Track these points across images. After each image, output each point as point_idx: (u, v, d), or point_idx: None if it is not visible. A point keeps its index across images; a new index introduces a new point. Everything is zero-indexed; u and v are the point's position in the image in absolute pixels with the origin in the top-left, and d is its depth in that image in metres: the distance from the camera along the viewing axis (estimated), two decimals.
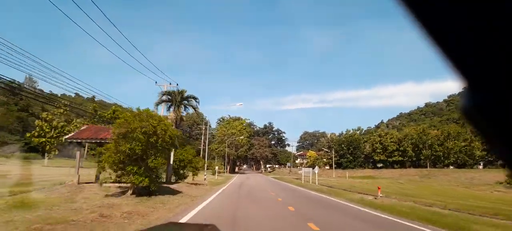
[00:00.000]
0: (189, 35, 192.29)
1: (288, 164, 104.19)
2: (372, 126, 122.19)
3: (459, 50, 0.44)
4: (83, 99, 78.68)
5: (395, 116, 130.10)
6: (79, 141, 15.33)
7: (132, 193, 12.33)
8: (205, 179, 28.41)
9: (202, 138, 30.40)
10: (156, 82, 22.96)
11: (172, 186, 16.91)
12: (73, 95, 74.79)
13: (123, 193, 12.53)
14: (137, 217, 8.14)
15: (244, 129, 77.19)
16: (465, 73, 0.45)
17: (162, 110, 21.95)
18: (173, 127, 21.18)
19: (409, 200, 17.63)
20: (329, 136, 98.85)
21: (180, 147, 21.44)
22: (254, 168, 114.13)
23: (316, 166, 31.48)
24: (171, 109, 22.65)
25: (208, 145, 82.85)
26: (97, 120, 51.03)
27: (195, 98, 24.50)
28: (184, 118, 23.55)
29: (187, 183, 21.06)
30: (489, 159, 67.17)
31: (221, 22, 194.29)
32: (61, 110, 45.11)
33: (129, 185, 12.16)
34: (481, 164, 71.79)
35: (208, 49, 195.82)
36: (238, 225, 7.66)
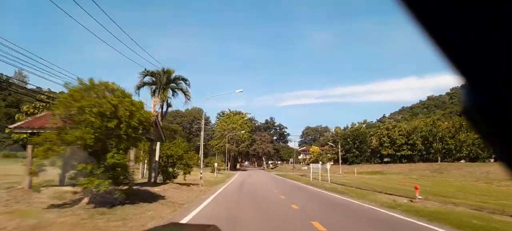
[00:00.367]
0: (187, 30, 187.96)
1: (291, 159, 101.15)
2: (374, 120, 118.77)
3: (458, 50, 0.44)
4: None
5: (397, 110, 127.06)
6: (29, 131, 11.72)
7: (90, 202, 8.73)
8: (201, 177, 24.80)
9: (202, 133, 26.79)
10: (145, 69, 19.41)
11: (155, 189, 13.32)
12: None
13: (77, 201, 8.94)
14: None
15: (245, 124, 73.44)
16: (465, 73, 0.45)
17: (153, 107, 18.08)
18: (154, 112, 17.59)
19: (448, 202, 14.09)
20: (333, 130, 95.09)
21: (168, 140, 17.85)
22: (256, 164, 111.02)
23: (328, 162, 27.82)
24: (157, 94, 18.93)
25: (208, 141, 79.75)
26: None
27: (184, 80, 20.51)
28: (173, 105, 19.88)
29: (177, 183, 17.49)
30: None
31: (221, 17, 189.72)
32: (43, 104, 41.29)
33: (81, 190, 8.57)
34: (493, 158, 68.08)
35: (207, 45, 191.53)
36: None
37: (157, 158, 16.78)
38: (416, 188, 13.85)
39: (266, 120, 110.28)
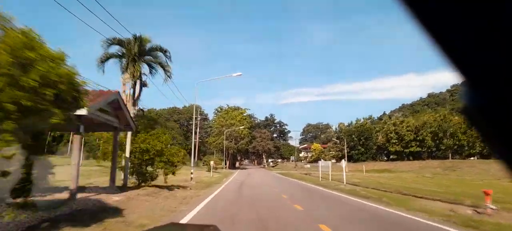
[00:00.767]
0: (186, 27, 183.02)
1: (292, 157, 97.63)
2: (375, 118, 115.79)
3: (459, 50, 0.44)
4: None
5: (397, 108, 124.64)
6: None
7: None
8: (191, 178, 20.73)
9: (194, 123, 22.72)
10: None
11: (114, 198, 9.21)
12: None
13: None
14: None
15: (245, 119, 69.30)
16: (465, 73, 0.44)
17: (122, 86, 13.74)
18: (126, 97, 13.40)
19: None
20: (337, 126, 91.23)
21: (144, 130, 13.75)
22: (256, 163, 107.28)
23: (342, 160, 23.76)
24: (127, 70, 13.96)
25: (206, 139, 75.63)
26: None
27: (164, 51, 15.30)
28: (147, 85, 15.09)
29: (156, 186, 13.41)
30: None
31: (219, 13, 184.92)
32: None
33: None
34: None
35: (206, 41, 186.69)
36: None
37: (127, 154, 12.69)
38: (486, 193, 9.79)
39: (266, 117, 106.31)
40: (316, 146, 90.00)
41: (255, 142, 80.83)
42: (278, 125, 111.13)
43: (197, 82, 28.47)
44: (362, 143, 73.50)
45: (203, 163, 53.22)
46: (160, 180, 14.51)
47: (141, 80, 14.10)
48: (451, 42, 0.43)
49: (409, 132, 69.17)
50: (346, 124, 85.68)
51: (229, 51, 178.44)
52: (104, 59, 13.66)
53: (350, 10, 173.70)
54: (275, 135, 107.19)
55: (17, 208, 5.25)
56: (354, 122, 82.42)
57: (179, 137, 73.52)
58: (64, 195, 8.52)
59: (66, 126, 6.27)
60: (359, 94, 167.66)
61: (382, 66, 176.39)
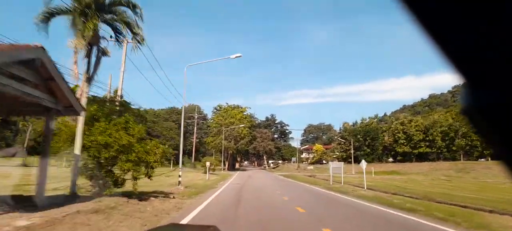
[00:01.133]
0: (185, 27, 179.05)
1: (293, 159, 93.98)
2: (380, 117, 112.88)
3: (459, 51, 0.44)
4: None
5: (399, 108, 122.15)
6: None
7: None
8: (180, 182, 17.00)
9: (182, 116, 19.09)
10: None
11: (24, 220, 5.51)
12: None
13: None
14: None
15: (245, 119, 65.47)
16: (466, 73, 0.44)
17: (74, 56, 9.81)
18: (76, 69, 9.55)
19: None
20: (341, 125, 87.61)
21: (105, 118, 10.05)
22: (256, 164, 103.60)
23: (363, 160, 20.10)
24: (77, 29, 9.49)
25: (204, 139, 71.89)
26: None
27: (132, 6, 10.63)
28: (113, 53, 10.85)
29: (125, 194, 9.64)
30: None
31: (219, 14, 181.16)
32: None
33: None
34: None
35: (205, 42, 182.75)
36: None
37: (77, 150, 9.01)
38: None
39: (267, 117, 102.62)
40: (318, 147, 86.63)
41: (255, 142, 77.05)
42: (279, 125, 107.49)
43: (186, 66, 24.87)
44: (368, 143, 69.76)
45: (202, 165, 49.57)
46: (127, 186, 10.71)
47: (98, 46, 10.16)
48: (451, 42, 0.43)
49: (418, 132, 65.47)
50: (350, 123, 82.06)
51: (229, 52, 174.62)
52: (48, 15, 9.68)
53: (350, 11, 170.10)
54: (276, 136, 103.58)
55: None
56: (359, 122, 78.79)
57: (177, 138, 69.96)
58: None
59: None
60: (359, 96, 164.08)
61: (383, 67, 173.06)
